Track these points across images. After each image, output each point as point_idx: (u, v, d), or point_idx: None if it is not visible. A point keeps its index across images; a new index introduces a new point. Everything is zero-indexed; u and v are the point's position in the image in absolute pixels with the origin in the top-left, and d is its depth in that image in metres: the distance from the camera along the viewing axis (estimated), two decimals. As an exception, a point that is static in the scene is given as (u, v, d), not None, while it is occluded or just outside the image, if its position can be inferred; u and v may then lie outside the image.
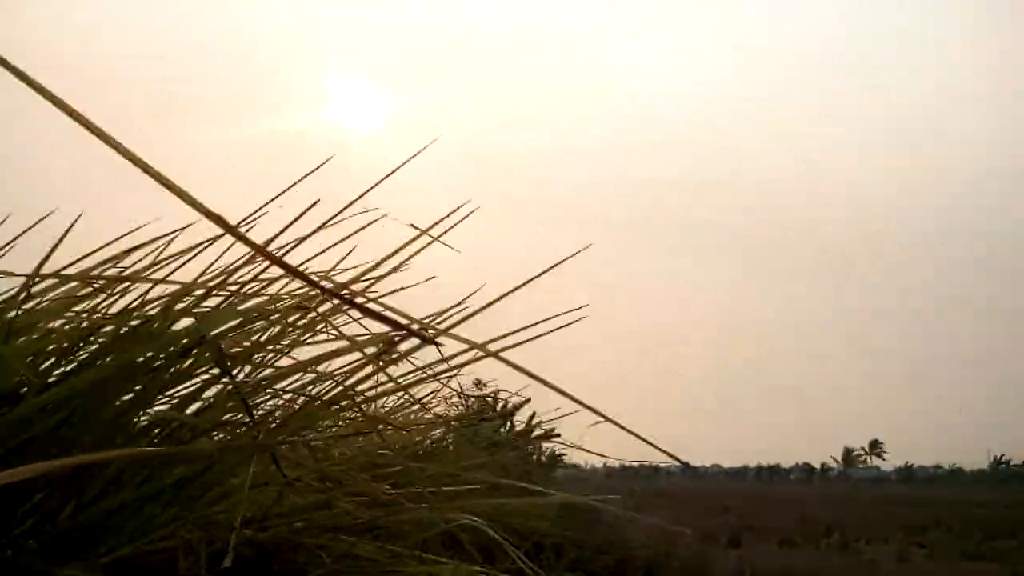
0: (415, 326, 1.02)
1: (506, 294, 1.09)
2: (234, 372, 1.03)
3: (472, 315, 1.12)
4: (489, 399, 5.48)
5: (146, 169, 0.47)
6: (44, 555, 0.91)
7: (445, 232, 1.15)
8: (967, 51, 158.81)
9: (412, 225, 1.10)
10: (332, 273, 1.22)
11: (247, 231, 1.19)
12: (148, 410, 1.00)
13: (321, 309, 1.12)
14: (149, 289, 1.09)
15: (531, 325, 1.08)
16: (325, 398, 1.14)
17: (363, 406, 1.23)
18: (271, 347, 1.12)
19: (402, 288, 1.26)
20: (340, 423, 1.36)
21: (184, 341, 0.94)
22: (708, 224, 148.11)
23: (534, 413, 6.04)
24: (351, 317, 1.15)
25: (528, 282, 1.08)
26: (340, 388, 1.14)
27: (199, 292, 1.05)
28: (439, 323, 1.18)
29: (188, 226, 1.17)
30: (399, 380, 1.18)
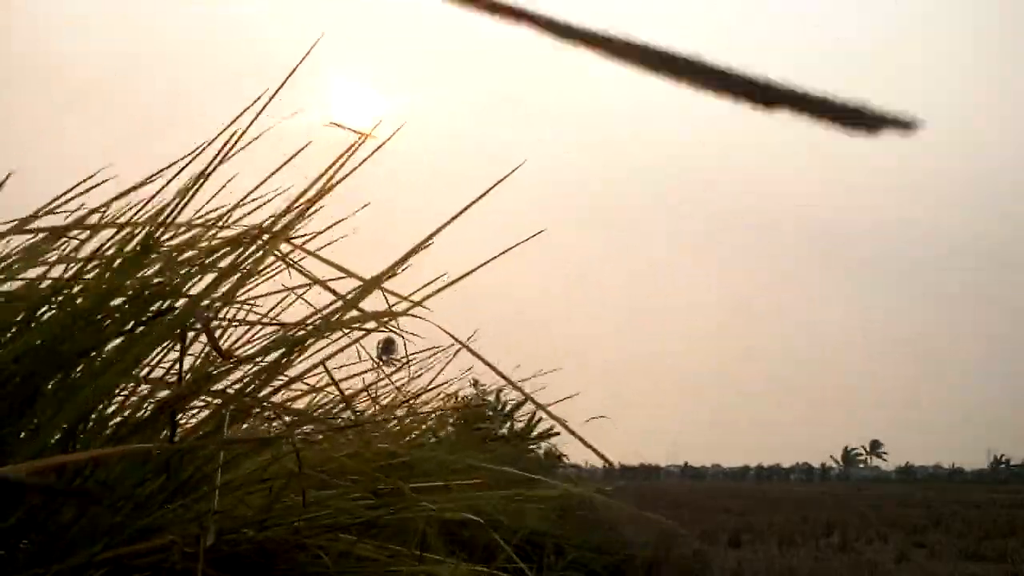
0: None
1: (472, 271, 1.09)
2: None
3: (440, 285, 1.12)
4: (490, 398, 5.48)
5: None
6: (37, 554, 0.90)
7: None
8: (977, 50, 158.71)
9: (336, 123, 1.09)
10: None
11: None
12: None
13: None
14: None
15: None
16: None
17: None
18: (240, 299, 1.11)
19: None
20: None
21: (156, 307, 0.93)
22: (710, 224, 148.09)
23: (534, 413, 6.04)
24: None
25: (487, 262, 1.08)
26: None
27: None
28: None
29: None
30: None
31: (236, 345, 1.20)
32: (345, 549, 1.28)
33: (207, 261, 1.06)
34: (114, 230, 1.08)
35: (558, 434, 6.14)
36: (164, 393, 1.03)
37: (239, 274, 1.07)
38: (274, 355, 1.11)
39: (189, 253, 1.08)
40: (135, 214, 1.13)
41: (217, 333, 1.13)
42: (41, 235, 1.05)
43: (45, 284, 1.00)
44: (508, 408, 6.04)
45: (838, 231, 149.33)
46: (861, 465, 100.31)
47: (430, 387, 2.19)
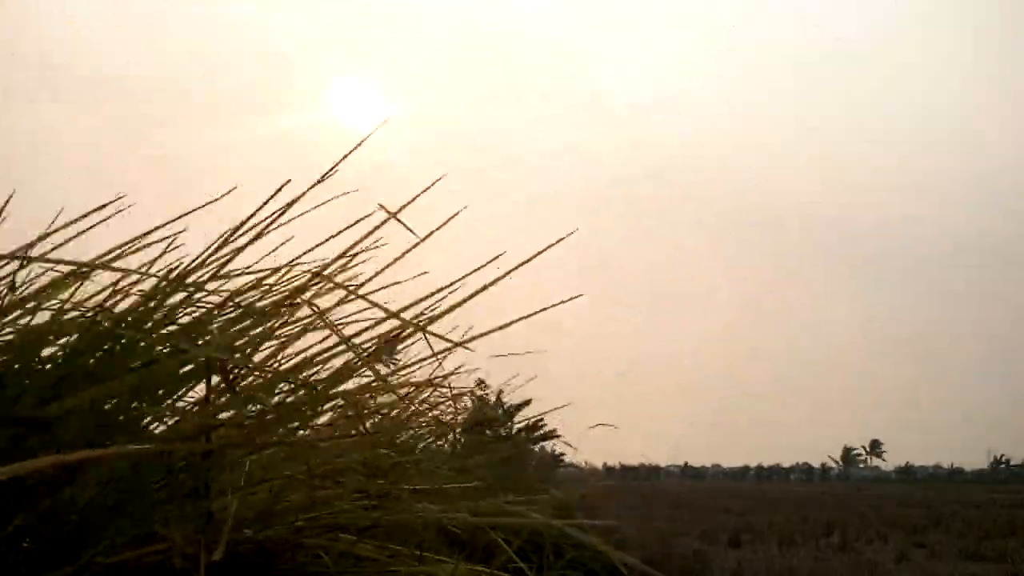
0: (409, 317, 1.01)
1: (490, 283, 1.08)
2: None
3: (461, 303, 1.11)
4: (491, 399, 5.48)
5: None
6: (37, 557, 0.90)
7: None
8: (977, 50, 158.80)
9: (381, 206, 1.09)
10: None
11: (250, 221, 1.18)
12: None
13: (316, 301, 1.11)
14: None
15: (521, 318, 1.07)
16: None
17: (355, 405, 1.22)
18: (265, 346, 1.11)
19: (395, 283, 1.25)
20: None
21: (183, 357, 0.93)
22: (710, 224, 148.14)
23: (540, 416, 6.04)
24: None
25: (507, 274, 1.07)
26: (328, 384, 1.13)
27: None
28: (427, 313, 1.15)
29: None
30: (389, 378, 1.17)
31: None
32: (345, 549, 1.28)
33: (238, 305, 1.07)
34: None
35: (559, 436, 6.15)
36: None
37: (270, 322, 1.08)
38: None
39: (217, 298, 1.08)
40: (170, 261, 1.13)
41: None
42: (64, 268, 1.05)
43: (69, 317, 1.00)
44: (510, 409, 6.04)
45: (841, 228, 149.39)
46: (861, 465, 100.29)
47: (433, 384, 2.18)
